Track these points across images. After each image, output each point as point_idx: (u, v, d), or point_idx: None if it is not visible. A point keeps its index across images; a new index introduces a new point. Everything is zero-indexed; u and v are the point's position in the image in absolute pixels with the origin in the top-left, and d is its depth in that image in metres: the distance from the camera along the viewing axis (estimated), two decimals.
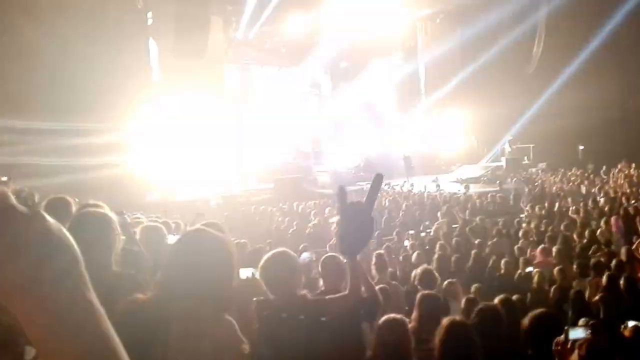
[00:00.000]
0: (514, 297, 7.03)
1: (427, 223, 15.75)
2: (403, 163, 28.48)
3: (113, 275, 3.64)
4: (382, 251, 9.07)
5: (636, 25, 25.05)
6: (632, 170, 22.82)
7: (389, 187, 24.12)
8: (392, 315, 4.90)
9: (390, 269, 9.08)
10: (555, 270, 8.90)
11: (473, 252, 10.68)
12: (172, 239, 6.61)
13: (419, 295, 6.41)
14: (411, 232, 13.68)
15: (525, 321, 4.88)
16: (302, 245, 11.03)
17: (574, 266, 9.31)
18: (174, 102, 25.98)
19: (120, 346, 1.03)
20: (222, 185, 25.33)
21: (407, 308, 6.89)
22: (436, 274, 7.75)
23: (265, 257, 4.51)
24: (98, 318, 1.00)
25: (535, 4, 28.28)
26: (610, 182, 22.12)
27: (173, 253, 3.09)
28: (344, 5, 28.31)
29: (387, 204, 19.55)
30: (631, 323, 5.77)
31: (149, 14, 23.87)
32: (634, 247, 10.21)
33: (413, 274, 8.34)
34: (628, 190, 19.40)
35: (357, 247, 2.36)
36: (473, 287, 8.11)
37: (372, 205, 2.28)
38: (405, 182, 25.53)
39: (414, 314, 5.95)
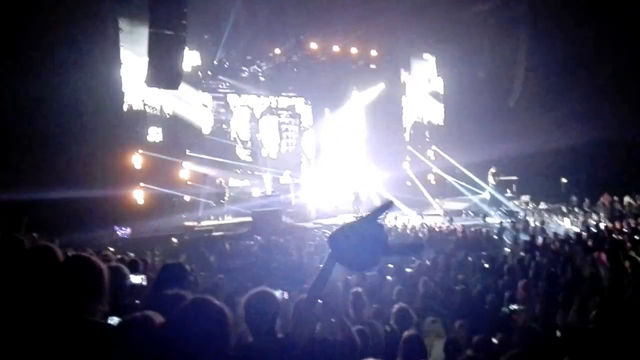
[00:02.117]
0: (499, 336, 6.83)
1: (412, 258, 15.41)
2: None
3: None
4: (359, 289, 8.73)
5: (618, 62, 25.04)
6: (615, 203, 22.75)
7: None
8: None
9: (375, 305, 8.77)
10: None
11: (458, 287, 10.42)
12: (135, 279, 6.30)
13: (402, 338, 6.20)
14: (391, 266, 13.34)
15: None
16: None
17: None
18: None
19: None
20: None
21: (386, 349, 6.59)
22: (412, 312, 7.51)
23: (247, 295, 4.40)
24: None
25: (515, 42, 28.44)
26: (594, 215, 22.05)
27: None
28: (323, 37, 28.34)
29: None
30: None
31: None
32: None
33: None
34: (611, 225, 19.31)
35: (368, 262, 2.25)
36: (456, 325, 7.81)
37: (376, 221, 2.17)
38: (386, 214, 25.24)
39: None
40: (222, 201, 26.13)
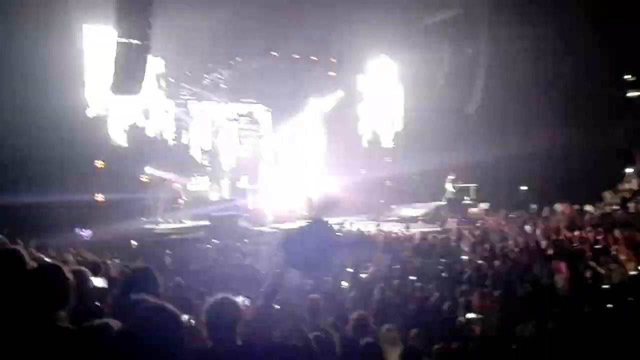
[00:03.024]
0: (454, 345, 6.77)
1: (367, 264, 15.26)
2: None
3: None
4: (316, 295, 8.57)
5: (578, 65, 25.25)
6: (574, 212, 22.83)
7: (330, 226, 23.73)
8: None
9: (332, 312, 8.67)
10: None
11: (414, 295, 10.31)
12: (97, 282, 6.18)
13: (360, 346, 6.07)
14: (350, 270, 13.22)
15: None
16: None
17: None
18: None
19: None
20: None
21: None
22: (370, 320, 7.40)
23: (209, 302, 4.34)
24: None
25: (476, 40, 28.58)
26: (553, 223, 22.09)
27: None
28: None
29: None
30: None
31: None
32: None
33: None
34: (570, 234, 19.33)
35: (320, 263, 2.29)
36: (412, 333, 7.68)
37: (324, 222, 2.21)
38: (344, 221, 25.19)
39: None
40: (174, 205, 26.09)
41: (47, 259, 9.23)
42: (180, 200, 26.43)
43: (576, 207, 23.02)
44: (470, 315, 9.08)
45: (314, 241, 2.25)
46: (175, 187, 26.69)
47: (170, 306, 2.92)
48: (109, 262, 12.98)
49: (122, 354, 2.73)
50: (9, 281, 3.85)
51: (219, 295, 4.40)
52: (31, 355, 3.36)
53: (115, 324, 3.30)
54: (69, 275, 3.92)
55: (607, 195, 24.76)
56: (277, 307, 6.25)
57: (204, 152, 30.92)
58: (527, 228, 20.94)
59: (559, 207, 23.76)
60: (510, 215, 24.60)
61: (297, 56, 29.84)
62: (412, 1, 26.73)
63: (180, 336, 2.84)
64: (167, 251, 17.70)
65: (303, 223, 3.20)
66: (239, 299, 8.12)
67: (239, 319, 4.25)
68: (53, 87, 20.75)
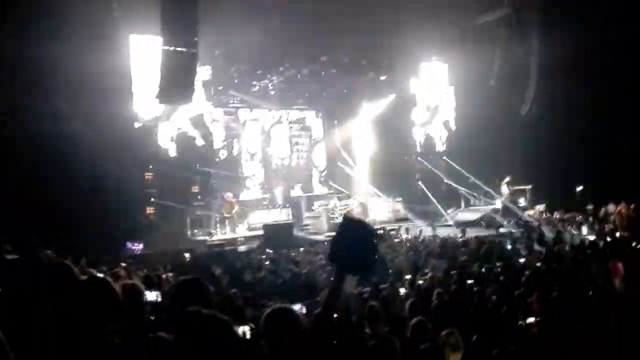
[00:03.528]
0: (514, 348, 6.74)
1: (425, 270, 15.20)
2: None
3: None
4: (374, 303, 8.58)
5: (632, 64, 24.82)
6: (630, 211, 22.50)
7: (383, 232, 23.75)
8: None
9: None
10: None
11: (473, 299, 10.26)
12: (150, 295, 6.22)
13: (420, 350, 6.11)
14: (407, 277, 13.20)
15: None
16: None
17: None
18: None
19: None
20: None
21: None
22: (429, 325, 7.38)
23: (267, 312, 4.24)
24: None
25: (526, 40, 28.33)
26: (610, 223, 21.82)
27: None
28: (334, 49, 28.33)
29: (382, 249, 19.01)
30: None
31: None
32: None
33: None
34: (626, 234, 19.06)
35: (352, 262, 2.29)
36: (473, 337, 7.64)
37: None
38: (399, 227, 25.16)
39: None
40: (228, 216, 26.31)
41: (97, 274, 9.34)
42: (234, 211, 26.40)
43: (632, 206, 22.68)
44: (530, 320, 9.01)
45: (355, 243, 2.33)
46: (228, 198, 26.73)
47: (223, 317, 2.92)
48: (162, 275, 13.07)
49: None
50: (58, 294, 3.88)
51: (277, 305, 4.37)
52: None
53: (168, 336, 3.32)
54: (118, 289, 3.99)
55: None
56: (336, 315, 6.28)
57: (256, 160, 31.00)
58: (584, 229, 20.72)
59: (612, 207, 23.48)
60: (566, 216, 24.34)
61: (347, 60, 29.69)
62: (461, 2, 26.55)
63: (234, 347, 2.85)
64: (218, 264, 17.68)
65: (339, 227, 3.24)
66: (296, 307, 8.18)
67: (298, 328, 4.13)
68: (102, 98, 20.89)
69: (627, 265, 12.78)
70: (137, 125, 24.03)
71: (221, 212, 26.62)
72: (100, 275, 7.09)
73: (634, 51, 24.71)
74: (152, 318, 5.65)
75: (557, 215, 25.03)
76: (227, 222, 26.33)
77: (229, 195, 26.95)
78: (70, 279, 4.34)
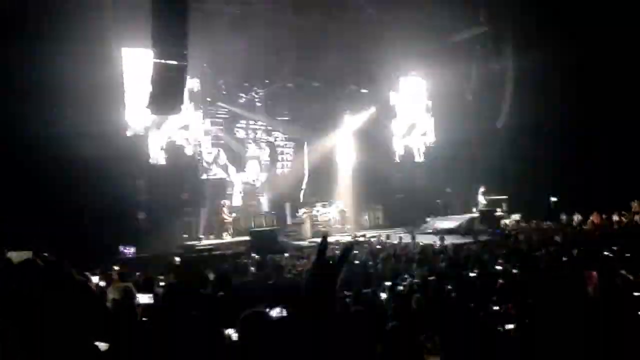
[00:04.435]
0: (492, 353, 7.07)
1: (404, 275, 15.67)
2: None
3: None
4: (360, 307, 9.08)
5: (606, 79, 25.46)
6: (604, 219, 23.12)
7: (365, 239, 24.23)
8: None
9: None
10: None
11: (451, 305, 10.68)
12: (142, 298, 6.62)
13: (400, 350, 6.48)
14: (388, 284, 13.63)
15: None
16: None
17: None
18: None
19: None
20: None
21: None
22: (406, 330, 7.78)
23: (241, 316, 4.48)
24: None
25: (502, 56, 28.95)
26: (583, 232, 22.36)
27: None
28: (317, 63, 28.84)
29: (363, 256, 19.51)
30: None
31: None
32: None
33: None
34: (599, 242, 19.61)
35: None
36: (451, 342, 8.05)
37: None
38: (380, 234, 25.66)
39: None
40: (222, 223, 27.10)
41: (92, 277, 9.70)
42: (227, 219, 26.99)
43: (604, 216, 23.32)
44: (509, 326, 9.35)
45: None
46: (221, 206, 27.43)
47: (211, 320, 3.16)
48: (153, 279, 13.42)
49: None
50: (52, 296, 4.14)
51: (250, 310, 4.60)
52: None
53: (157, 337, 3.58)
54: (94, 289, 4.06)
55: (635, 204, 24.99)
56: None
57: (241, 168, 31.56)
58: (558, 238, 21.24)
59: (578, 217, 24.17)
60: (541, 226, 24.93)
61: (330, 74, 30.20)
62: (439, 20, 27.12)
63: (222, 348, 3.05)
64: (207, 267, 17.99)
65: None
66: (276, 310, 8.69)
67: (270, 330, 4.47)
68: (95, 109, 21.33)
69: (600, 274, 13.39)
70: (129, 134, 24.56)
71: (213, 218, 27.44)
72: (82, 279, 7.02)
73: (607, 66, 25.38)
74: (144, 319, 5.82)
75: (532, 224, 25.63)
76: (216, 227, 27.06)
77: (225, 202, 27.84)
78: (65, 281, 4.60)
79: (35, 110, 19.34)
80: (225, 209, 27.49)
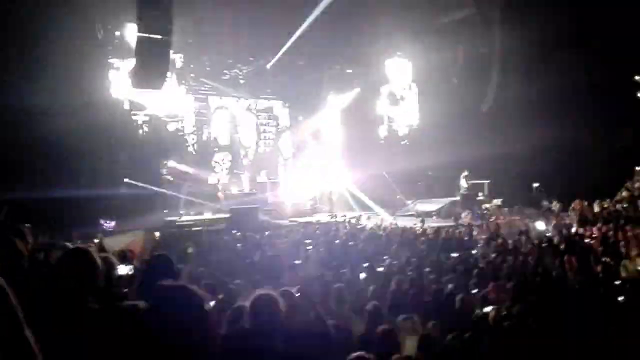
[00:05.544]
0: (468, 335, 7.01)
1: (384, 257, 15.63)
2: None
3: None
4: (342, 284, 9.03)
5: (590, 64, 25.43)
6: (585, 207, 23.14)
7: (345, 219, 24.19)
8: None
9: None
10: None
11: (430, 287, 10.66)
12: (123, 269, 6.55)
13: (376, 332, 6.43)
14: (365, 265, 13.57)
15: None
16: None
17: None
18: None
19: None
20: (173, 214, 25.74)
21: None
22: (385, 310, 7.74)
23: (255, 295, 4.69)
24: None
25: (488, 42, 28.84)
26: (565, 219, 22.39)
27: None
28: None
29: (344, 236, 19.46)
30: None
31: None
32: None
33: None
34: (581, 230, 19.68)
35: None
36: (430, 324, 8.01)
37: None
38: (360, 215, 25.63)
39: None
40: (214, 199, 27.40)
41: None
42: (219, 195, 27.11)
43: (586, 203, 23.35)
44: (487, 309, 9.31)
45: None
46: (213, 181, 27.70)
47: (194, 287, 3.17)
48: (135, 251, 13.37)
49: (150, 330, 2.87)
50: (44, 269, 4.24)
51: (261, 292, 4.83)
52: (68, 334, 3.52)
53: (142, 305, 3.58)
54: (97, 259, 4.18)
55: (624, 192, 25.03)
56: (298, 294, 6.72)
57: (223, 146, 31.42)
58: (539, 223, 21.28)
59: (557, 204, 24.27)
60: (523, 211, 24.96)
61: (315, 53, 30.06)
62: (425, 2, 26.97)
63: (204, 315, 2.99)
64: (191, 242, 18.00)
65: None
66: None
67: (279, 312, 4.64)
68: (79, 81, 21.36)
69: (580, 259, 13.41)
70: (112, 108, 24.52)
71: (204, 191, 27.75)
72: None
73: (595, 47, 25.34)
74: (125, 290, 5.80)
75: (514, 210, 25.65)
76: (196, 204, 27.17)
77: (214, 178, 28.86)
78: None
79: (23, 78, 19.28)
80: (219, 185, 27.64)
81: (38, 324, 2.76)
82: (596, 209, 23.10)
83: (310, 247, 17.29)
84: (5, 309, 2.52)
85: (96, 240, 15.99)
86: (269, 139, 33.54)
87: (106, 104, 24.10)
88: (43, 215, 16.14)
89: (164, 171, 27.03)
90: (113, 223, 22.32)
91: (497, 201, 27.99)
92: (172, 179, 27.14)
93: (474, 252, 16.96)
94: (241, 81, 31.30)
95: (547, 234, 19.53)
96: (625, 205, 23.15)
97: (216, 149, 31.24)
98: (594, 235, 18.15)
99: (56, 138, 20.06)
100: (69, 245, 10.46)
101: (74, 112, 20.26)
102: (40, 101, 19.44)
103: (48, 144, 20.16)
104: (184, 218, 25.33)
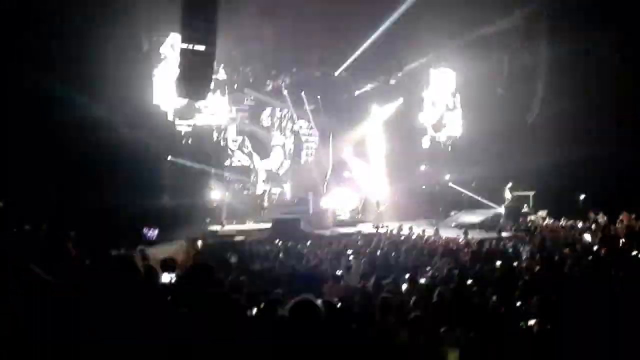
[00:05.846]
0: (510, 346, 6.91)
1: (427, 268, 15.50)
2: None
3: None
4: (387, 295, 8.96)
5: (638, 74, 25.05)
6: (632, 220, 22.72)
7: (387, 230, 24.07)
8: None
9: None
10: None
11: (472, 299, 10.53)
12: (166, 277, 6.56)
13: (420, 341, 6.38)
14: (407, 276, 13.46)
15: None
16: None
17: None
18: None
19: None
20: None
21: None
22: (428, 322, 7.67)
23: (293, 301, 4.60)
24: None
25: (534, 53, 28.54)
26: (612, 232, 21.99)
27: None
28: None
29: (386, 247, 19.35)
30: None
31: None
32: None
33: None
34: (627, 242, 19.29)
35: None
36: (471, 335, 7.91)
37: None
38: (402, 225, 25.51)
39: None
40: (259, 208, 27.66)
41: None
42: (264, 204, 27.29)
43: (633, 216, 22.92)
44: (531, 322, 9.15)
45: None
46: (259, 191, 27.72)
47: (235, 296, 3.14)
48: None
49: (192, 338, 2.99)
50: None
51: (300, 297, 4.73)
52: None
53: (186, 311, 3.63)
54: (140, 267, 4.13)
55: None
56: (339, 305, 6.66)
57: (265, 155, 31.56)
58: (586, 236, 20.93)
59: (602, 217, 23.83)
60: (568, 223, 24.58)
61: (358, 64, 30.03)
62: (471, 12, 26.76)
63: (248, 325, 3.01)
64: (233, 252, 18.02)
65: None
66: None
67: (319, 318, 4.58)
68: (125, 90, 21.69)
69: (627, 273, 13.12)
70: (157, 118, 24.81)
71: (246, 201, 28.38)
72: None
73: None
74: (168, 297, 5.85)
75: (562, 222, 25.26)
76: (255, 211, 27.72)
77: (260, 188, 29.08)
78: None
79: (74, 93, 19.54)
80: (265, 196, 27.67)
81: None
82: None
83: (352, 257, 17.20)
84: None
85: (140, 248, 16.10)
86: (311, 149, 33.55)
87: (151, 115, 24.32)
88: (87, 224, 16.26)
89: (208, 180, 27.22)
90: (156, 232, 22.42)
91: (543, 213, 27.64)
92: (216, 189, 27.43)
93: (518, 264, 16.75)
94: (284, 92, 31.53)
95: (594, 247, 19.20)
96: None
97: (259, 159, 31.25)
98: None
99: (102, 149, 20.42)
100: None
101: (131, 124, 20.57)
102: (101, 114, 19.79)
103: (95, 155, 20.53)
104: (226, 227, 25.44)
